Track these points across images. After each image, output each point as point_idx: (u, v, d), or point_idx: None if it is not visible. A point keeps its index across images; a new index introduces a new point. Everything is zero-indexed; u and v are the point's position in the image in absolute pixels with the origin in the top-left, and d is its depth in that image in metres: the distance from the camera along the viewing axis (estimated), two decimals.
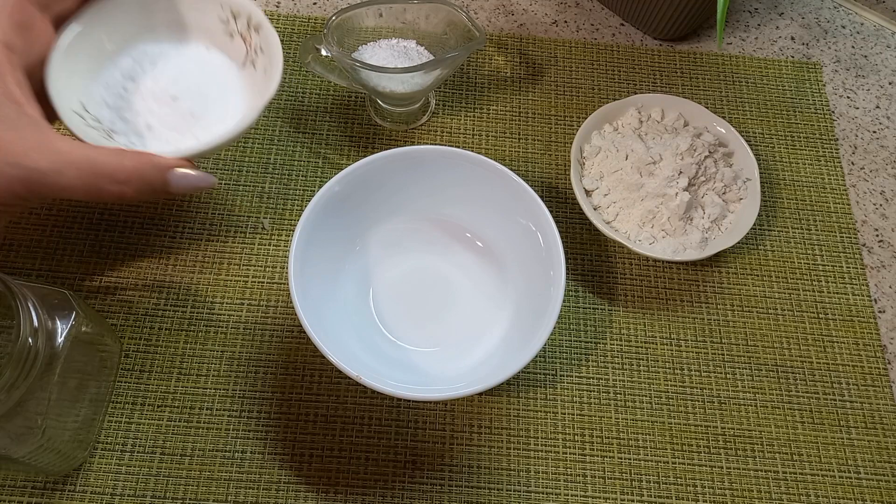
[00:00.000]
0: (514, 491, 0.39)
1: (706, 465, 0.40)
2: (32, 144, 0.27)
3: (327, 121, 0.49)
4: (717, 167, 0.44)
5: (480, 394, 0.40)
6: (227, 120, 0.37)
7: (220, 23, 0.38)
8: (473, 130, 0.49)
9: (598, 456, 0.40)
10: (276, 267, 0.44)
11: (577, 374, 0.42)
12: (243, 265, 0.44)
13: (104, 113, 0.36)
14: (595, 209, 0.44)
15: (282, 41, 0.37)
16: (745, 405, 0.41)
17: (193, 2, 0.38)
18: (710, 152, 0.44)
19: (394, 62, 0.44)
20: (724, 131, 0.46)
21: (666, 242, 0.43)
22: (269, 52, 0.37)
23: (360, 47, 0.45)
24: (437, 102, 0.50)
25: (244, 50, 0.39)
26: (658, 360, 0.42)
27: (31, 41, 0.31)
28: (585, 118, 0.47)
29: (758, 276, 0.45)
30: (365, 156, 0.40)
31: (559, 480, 0.39)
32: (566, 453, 0.40)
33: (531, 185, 0.39)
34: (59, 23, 0.34)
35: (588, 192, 0.45)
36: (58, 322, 0.33)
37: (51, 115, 0.32)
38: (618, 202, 0.44)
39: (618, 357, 0.42)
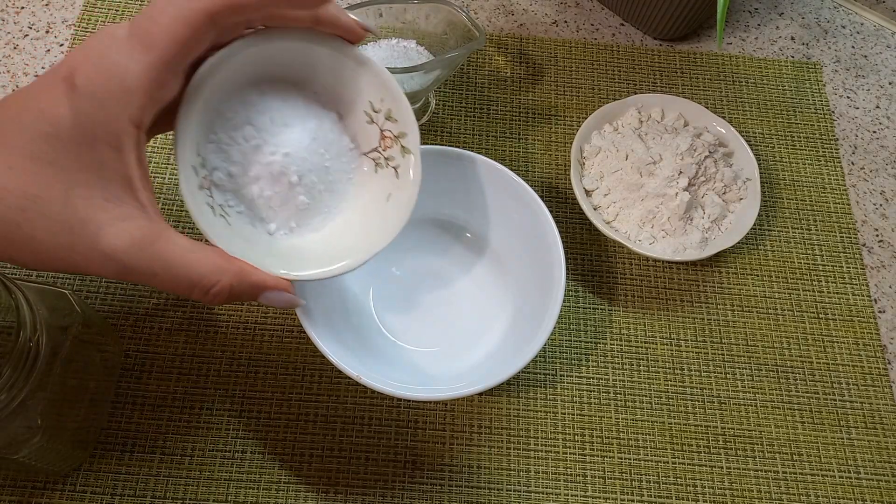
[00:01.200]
0: (514, 491, 0.39)
1: (706, 465, 0.40)
2: (141, 243, 0.26)
3: None
4: (717, 167, 0.44)
5: (480, 394, 0.40)
6: (336, 217, 0.34)
7: (367, 104, 0.33)
8: (473, 130, 0.49)
9: (598, 456, 0.40)
10: None
11: (577, 374, 0.42)
12: None
13: (219, 174, 0.31)
14: (595, 209, 0.44)
15: None
16: (745, 405, 0.41)
17: (355, 73, 0.32)
18: (710, 152, 0.44)
19: (393, 62, 0.44)
20: (724, 131, 0.46)
21: (666, 242, 0.43)
22: (406, 165, 0.33)
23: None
24: (437, 102, 0.50)
25: (376, 141, 0.34)
26: (658, 360, 0.42)
27: (161, 98, 0.27)
28: (585, 118, 0.47)
29: (758, 276, 0.45)
30: None
31: (559, 480, 0.39)
32: (566, 453, 0.40)
33: (531, 185, 0.39)
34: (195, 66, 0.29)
35: (588, 192, 0.45)
36: (58, 322, 0.33)
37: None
38: (618, 202, 0.44)
39: (618, 357, 0.42)
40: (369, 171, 0.34)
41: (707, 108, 0.48)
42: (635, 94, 0.50)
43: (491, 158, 0.40)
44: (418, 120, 0.49)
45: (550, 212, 0.39)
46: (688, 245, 0.43)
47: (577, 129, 0.46)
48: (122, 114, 0.25)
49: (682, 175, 0.43)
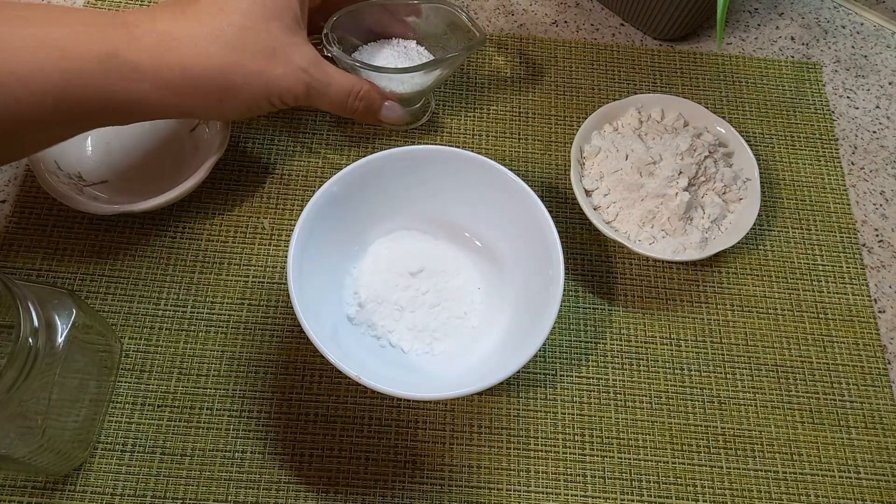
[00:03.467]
0: (514, 491, 0.39)
1: (706, 465, 0.40)
2: (315, 61, 0.38)
3: (327, 121, 0.49)
4: (717, 167, 0.44)
5: (480, 394, 0.40)
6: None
7: None
8: (473, 130, 0.49)
9: (598, 456, 0.40)
10: (276, 267, 0.44)
11: (577, 374, 0.42)
12: (243, 265, 0.44)
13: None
14: (595, 209, 0.44)
15: None
16: (745, 405, 0.41)
17: None
18: (710, 152, 0.44)
19: (394, 62, 0.44)
20: (723, 131, 0.46)
21: (666, 242, 0.43)
22: None
23: (360, 47, 0.45)
24: (437, 102, 0.50)
25: None
26: (658, 360, 0.42)
27: None
28: (585, 118, 0.47)
29: (758, 276, 0.45)
30: (364, 156, 0.40)
31: (559, 480, 0.39)
32: (566, 453, 0.40)
33: (531, 185, 0.39)
34: None
35: (588, 192, 0.45)
36: (58, 322, 0.33)
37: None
38: (618, 202, 0.44)
39: (618, 357, 0.42)
40: None
41: (707, 108, 0.47)
42: (635, 94, 0.50)
43: (491, 158, 0.40)
44: (419, 120, 0.49)
45: (550, 212, 0.39)
46: (688, 245, 0.43)
47: (577, 129, 0.46)
48: None
49: (681, 175, 0.43)
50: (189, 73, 0.34)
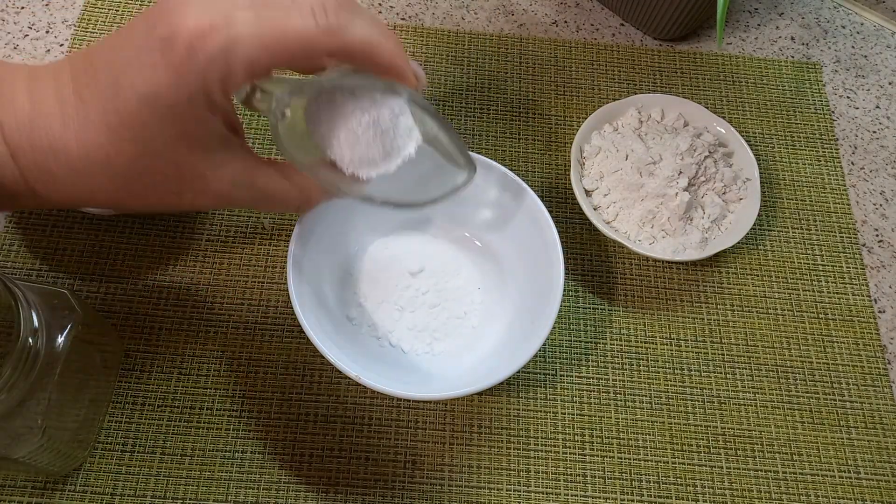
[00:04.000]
0: (514, 491, 0.39)
1: (706, 465, 0.40)
2: (242, 182, 0.31)
3: None
4: (717, 167, 0.44)
5: (480, 394, 0.40)
6: None
7: None
8: (473, 130, 0.49)
9: (598, 456, 0.40)
10: (276, 267, 0.44)
11: (577, 374, 0.42)
12: (243, 265, 0.44)
13: None
14: (595, 209, 0.44)
15: None
16: (745, 405, 0.41)
17: None
18: (710, 152, 0.44)
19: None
20: (723, 131, 0.46)
21: (666, 242, 0.43)
22: None
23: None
24: (436, 102, 0.50)
25: None
26: (658, 360, 0.42)
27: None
28: (585, 118, 0.47)
29: (758, 276, 0.45)
30: None
31: (559, 480, 0.39)
32: (566, 453, 0.40)
33: (531, 185, 0.39)
34: None
35: (588, 192, 0.45)
36: (58, 322, 0.33)
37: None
38: (618, 202, 0.44)
39: (618, 357, 0.42)
40: None
41: (707, 108, 0.48)
42: (635, 94, 0.50)
43: (491, 158, 0.40)
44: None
45: (550, 212, 0.39)
46: (688, 245, 0.43)
47: (577, 129, 0.46)
48: (219, 80, 0.26)
49: (682, 175, 0.43)
50: (68, 198, 0.28)
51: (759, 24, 0.56)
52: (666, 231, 0.43)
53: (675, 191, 0.43)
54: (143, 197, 0.29)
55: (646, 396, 0.41)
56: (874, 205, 0.48)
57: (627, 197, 0.43)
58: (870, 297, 0.45)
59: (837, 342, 0.43)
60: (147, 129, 0.26)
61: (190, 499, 0.37)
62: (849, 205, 0.48)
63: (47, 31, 0.50)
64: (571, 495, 0.39)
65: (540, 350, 0.35)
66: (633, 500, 0.39)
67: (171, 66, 0.25)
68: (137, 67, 0.25)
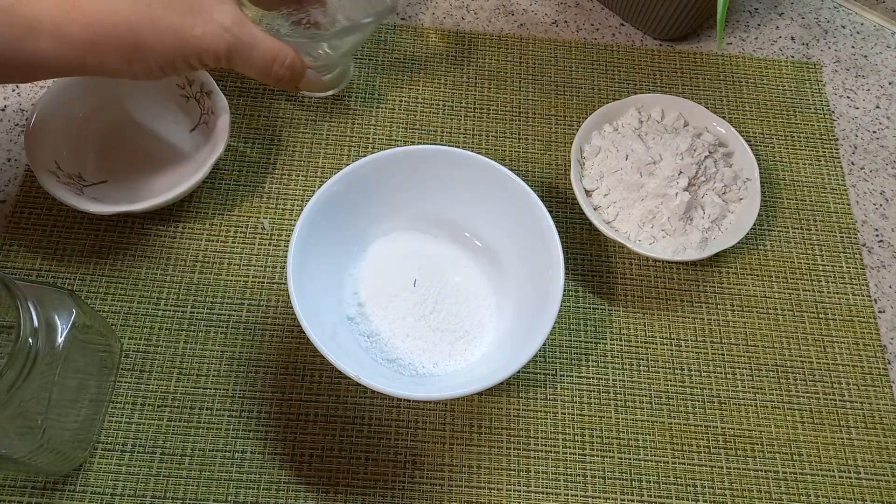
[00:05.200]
0: (514, 491, 0.39)
1: (706, 465, 0.40)
2: (239, 21, 0.36)
3: (327, 121, 0.49)
4: (717, 167, 0.44)
5: (480, 394, 0.40)
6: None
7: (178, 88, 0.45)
8: (473, 130, 0.49)
9: (598, 456, 0.40)
10: (276, 267, 0.44)
11: (577, 374, 0.42)
12: (243, 265, 0.44)
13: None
14: (595, 209, 0.44)
15: None
16: (745, 405, 0.41)
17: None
18: (710, 152, 0.44)
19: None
20: (723, 131, 0.46)
21: (666, 242, 0.43)
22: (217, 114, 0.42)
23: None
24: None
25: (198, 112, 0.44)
26: (658, 360, 0.42)
27: None
28: (585, 118, 0.47)
29: (758, 276, 0.45)
30: (364, 156, 0.40)
31: (559, 480, 0.39)
32: (566, 453, 0.40)
33: (531, 185, 0.39)
34: None
35: (588, 192, 0.45)
36: (58, 322, 0.33)
37: None
38: (618, 202, 0.44)
39: (618, 357, 0.42)
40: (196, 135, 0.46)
41: (707, 108, 0.47)
42: (635, 94, 0.50)
43: (491, 158, 0.40)
44: (337, 87, 0.50)
45: (550, 212, 0.39)
46: (688, 245, 0.43)
47: (577, 129, 0.46)
48: None
49: (682, 175, 0.43)
50: (93, 29, 0.32)
51: (759, 24, 0.56)
52: (666, 231, 0.43)
53: (675, 191, 0.43)
54: (157, 22, 0.33)
55: (646, 396, 0.41)
56: (874, 205, 0.48)
57: (627, 197, 0.43)
58: (870, 297, 0.45)
59: (837, 342, 0.43)
60: None
61: (190, 499, 0.37)
62: (849, 205, 0.48)
63: None
64: (571, 495, 0.39)
65: (540, 350, 0.35)
66: (633, 500, 0.39)
67: None
68: None
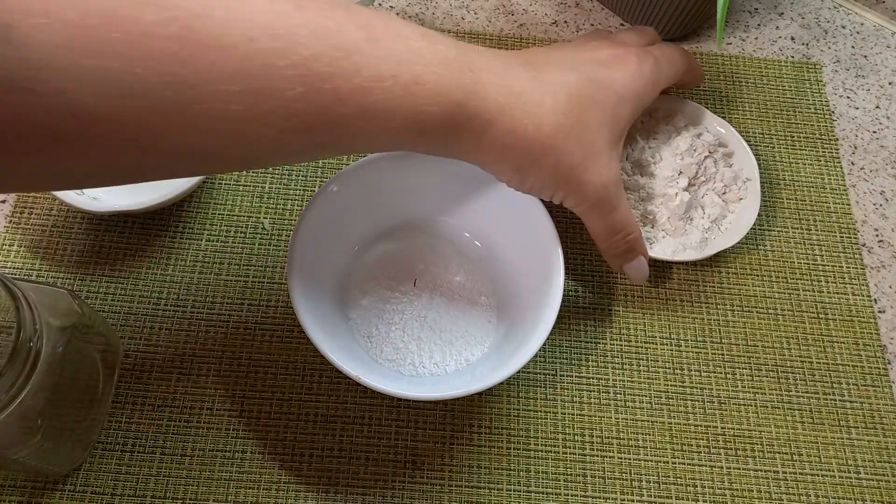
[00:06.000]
0: (514, 491, 0.39)
1: (706, 465, 0.40)
2: (617, 182, 0.37)
3: None
4: (717, 167, 0.44)
5: (480, 394, 0.40)
6: None
7: None
8: None
9: (598, 456, 0.40)
10: (276, 267, 0.44)
11: (577, 374, 0.42)
12: (243, 265, 0.44)
13: None
14: None
15: None
16: (745, 405, 0.41)
17: None
18: (710, 152, 0.44)
19: None
20: (723, 131, 0.46)
21: (666, 243, 0.43)
22: None
23: None
24: None
25: None
26: (658, 360, 0.42)
27: None
28: None
29: (758, 276, 0.45)
30: (364, 156, 0.40)
31: (559, 480, 0.39)
32: (566, 453, 0.40)
33: None
34: None
35: None
36: (58, 322, 0.33)
37: None
38: None
39: (618, 357, 0.42)
40: None
41: (707, 108, 0.47)
42: None
43: None
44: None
45: (550, 212, 0.39)
46: (687, 245, 0.43)
47: None
48: (656, 91, 0.39)
49: (682, 175, 0.43)
50: (514, 136, 0.32)
51: (759, 24, 0.56)
52: (666, 231, 0.43)
53: (675, 191, 0.43)
54: (563, 152, 0.34)
55: (646, 396, 0.41)
56: (874, 205, 0.48)
57: (627, 197, 0.43)
58: (870, 297, 0.45)
59: (837, 342, 0.43)
60: (592, 102, 0.35)
61: (190, 499, 0.37)
62: (849, 205, 0.48)
63: None
64: (571, 495, 0.39)
65: (540, 350, 0.35)
66: (633, 500, 0.39)
67: (642, 76, 0.37)
68: (618, 73, 0.36)
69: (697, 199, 0.44)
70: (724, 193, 0.44)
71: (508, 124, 0.32)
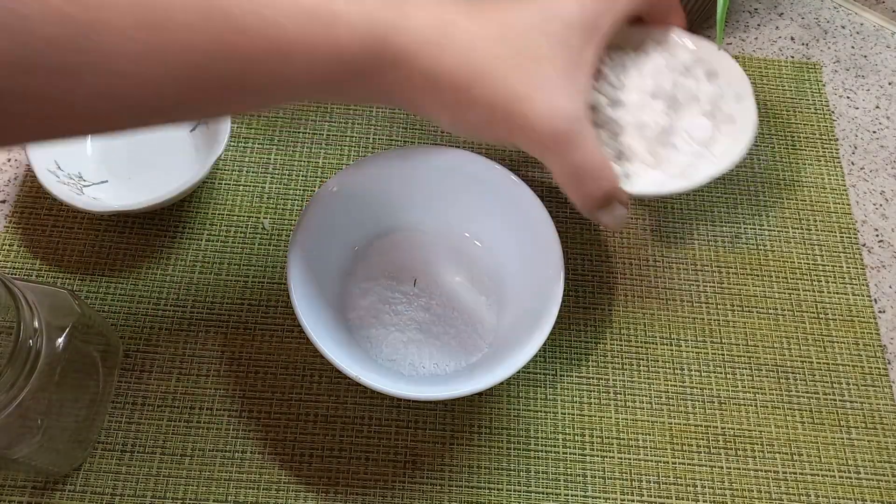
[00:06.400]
0: (514, 491, 0.39)
1: (706, 465, 0.40)
2: (575, 112, 0.31)
3: (327, 121, 0.49)
4: (697, 86, 0.37)
5: (480, 394, 0.40)
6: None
7: None
8: None
9: (598, 456, 0.40)
10: (276, 267, 0.44)
11: (577, 374, 0.42)
12: (243, 265, 0.44)
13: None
14: None
15: None
16: (745, 405, 0.41)
17: None
18: (686, 68, 0.37)
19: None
20: (703, 46, 0.38)
21: (648, 176, 0.37)
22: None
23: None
24: None
25: None
26: (658, 360, 0.42)
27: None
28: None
29: (758, 276, 0.45)
30: (364, 156, 0.40)
31: (559, 480, 0.39)
32: (566, 453, 0.40)
33: (531, 185, 0.39)
34: None
35: None
36: (58, 322, 0.33)
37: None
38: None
39: (618, 357, 0.42)
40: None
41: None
42: None
43: (490, 158, 0.40)
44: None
45: (550, 212, 0.39)
46: (673, 174, 0.37)
47: None
48: (610, 14, 0.32)
49: (656, 98, 0.36)
50: (442, 69, 0.29)
51: (759, 24, 0.56)
52: (646, 163, 0.37)
53: (650, 117, 0.36)
54: (505, 82, 0.30)
55: (646, 396, 0.41)
56: (874, 205, 0.48)
57: (599, 135, 0.36)
58: (870, 297, 0.45)
59: (837, 342, 0.43)
60: (533, 32, 0.30)
61: (190, 499, 0.37)
62: (849, 205, 0.48)
63: None
64: (571, 495, 0.39)
65: (540, 350, 0.35)
66: (633, 500, 0.39)
67: None
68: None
69: (679, 123, 0.37)
70: (712, 115, 0.37)
71: (436, 56, 0.29)
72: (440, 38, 0.29)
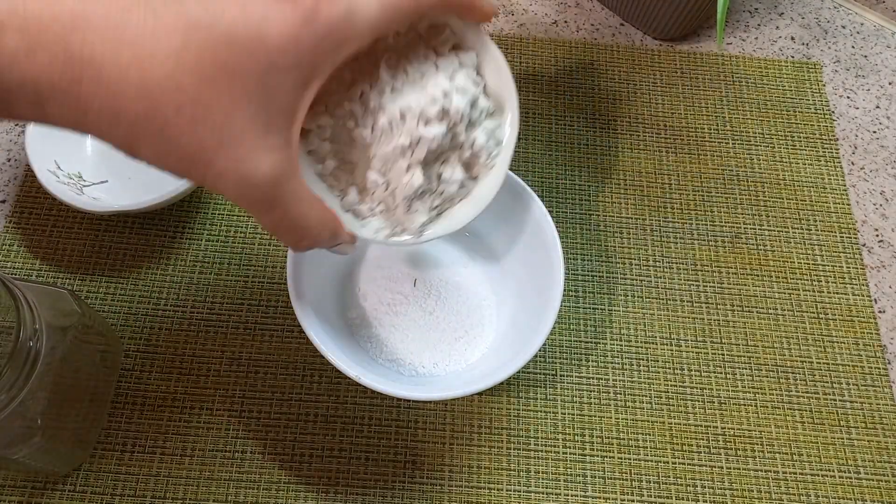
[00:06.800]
0: (514, 491, 0.39)
1: (706, 465, 0.40)
2: (270, 173, 0.26)
3: None
4: (466, 134, 0.30)
5: (480, 394, 0.40)
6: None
7: None
8: None
9: (598, 456, 0.40)
10: (276, 267, 0.44)
11: (577, 374, 0.42)
12: (243, 265, 0.44)
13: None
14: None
15: None
16: (745, 405, 0.41)
17: None
18: (468, 108, 0.30)
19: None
20: (490, 77, 0.33)
21: (379, 223, 0.31)
22: None
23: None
24: None
25: None
26: (658, 360, 0.42)
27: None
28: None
29: (758, 276, 0.45)
30: None
31: (559, 480, 0.39)
32: (566, 453, 0.40)
33: (531, 185, 0.39)
34: None
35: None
36: (58, 322, 0.33)
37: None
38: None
39: (618, 357, 0.42)
40: None
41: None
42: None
43: None
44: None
45: (550, 212, 0.39)
46: (408, 229, 0.31)
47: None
48: (334, 56, 0.25)
49: (420, 145, 0.29)
50: (117, 97, 0.23)
51: (759, 24, 0.56)
52: (387, 206, 0.31)
53: (406, 163, 0.29)
54: (181, 141, 0.24)
55: (646, 396, 0.41)
56: (874, 205, 0.48)
57: (337, 152, 0.31)
58: (870, 297, 0.45)
59: (837, 342, 0.43)
60: (227, 67, 0.23)
61: (190, 499, 0.37)
62: (849, 205, 0.48)
63: None
64: (571, 495, 0.39)
65: (540, 350, 0.35)
66: (633, 500, 0.39)
67: (302, 28, 0.23)
68: (267, 15, 0.23)
69: (434, 173, 0.30)
70: (468, 165, 0.31)
71: (111, 82, 0.22)
72: (118, 60, 0.22)
